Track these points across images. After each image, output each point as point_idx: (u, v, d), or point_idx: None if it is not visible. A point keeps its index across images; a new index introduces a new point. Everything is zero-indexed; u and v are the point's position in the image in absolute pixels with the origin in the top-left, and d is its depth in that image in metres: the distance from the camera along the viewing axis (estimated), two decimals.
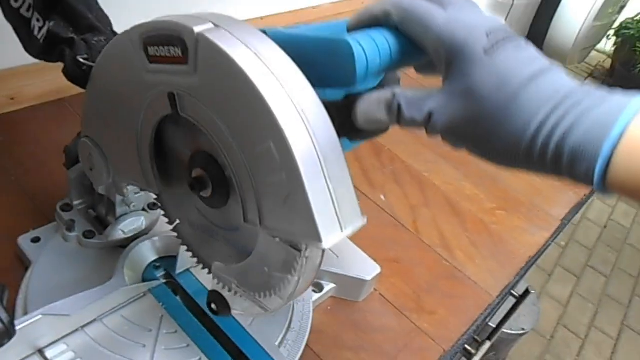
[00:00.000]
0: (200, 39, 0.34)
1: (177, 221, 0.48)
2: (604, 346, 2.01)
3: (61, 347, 0.44)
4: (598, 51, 3.38)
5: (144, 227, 0.55)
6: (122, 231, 0.54)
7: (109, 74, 0.43)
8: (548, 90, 0.31)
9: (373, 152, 0.89)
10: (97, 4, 0.50)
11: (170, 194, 0.46)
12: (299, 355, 0.51)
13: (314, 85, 0.34)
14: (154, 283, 0.51)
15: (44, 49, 0.48)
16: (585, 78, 3.48)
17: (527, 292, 0.87)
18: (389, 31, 0.37)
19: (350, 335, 0.59)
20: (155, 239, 0.54)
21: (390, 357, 0.58)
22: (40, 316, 0.41)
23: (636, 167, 0.29)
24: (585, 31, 2.19)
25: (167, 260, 0.54)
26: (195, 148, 0.41)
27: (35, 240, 0.55)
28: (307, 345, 0.54)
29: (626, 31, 3.05)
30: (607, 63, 3.58)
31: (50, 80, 0.79)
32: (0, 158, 0.68)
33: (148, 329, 0.48)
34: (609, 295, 2.22)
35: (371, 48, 0.35)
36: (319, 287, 0.60)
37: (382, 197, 0.80)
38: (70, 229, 0.53)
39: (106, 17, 0.50)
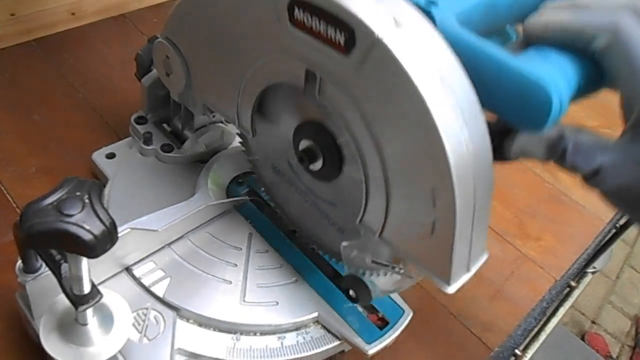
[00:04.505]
0: (378, 45, 0.28)
1: (257, 158, 0.44)
2: None
3: (149, 265, 0.40)
4: None
5: (223, 140, 0.50)
6: (202, 144, 0.49)
7: (228, 13, 0.36)
8: None
9: None
10: None
11: (260, 136, 0.41)
12: None
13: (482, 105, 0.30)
14: (239, 199, 0.47)
15: None
16: None
17: (628, 223, 0.79)
18: (582, 60, 0.30)
19: None
20: (238, 152, 0.49)
21: (496, 285, 0.52)
22: (128, 229, 0.37)
23: None
24: None
25: (250, 176, 0.49)
26: (308, 117, 0.37)
27: (110, 156, 0.51)
28: None
29: None
30: None
31: None
32: (67, 75, 0.64)
33: (237, 248, 0.43)
34: None
35: (566, 90, 0.29)
36: None
37: None
38: (147, 142, 0.49)
39: None
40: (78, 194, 0.25)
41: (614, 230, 0.83)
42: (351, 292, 0.39)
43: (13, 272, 0.36)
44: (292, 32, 0.32)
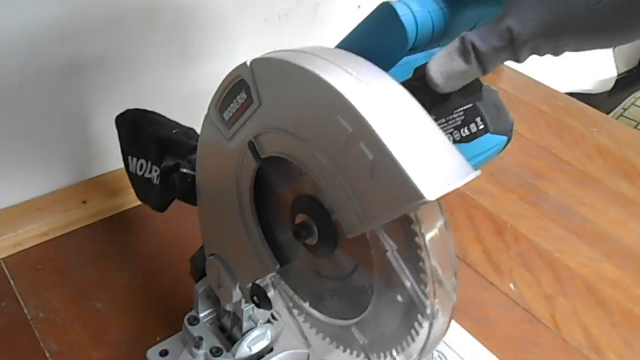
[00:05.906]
0: (254, 64, 0.35)
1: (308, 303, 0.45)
2: None
3: None
4: None
5: (269, 341, 0.53)
6: (249, 348, 0.52)
7: (206, 171, 0.44)
8: None
9: (495, 230, 0.83)
10: (195, 132, 0.52)
11: (290, 272, 0.44)
12: None
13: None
14: None
15: (161, 189, 0.49)
16: None
17: None
18: None
19: None
20: (281, 355, 0.51)
21: None
22: None
23: None
24: None
25: None
26: (291, 198, 0.40)
27: (164, 353, 0.54)
28: None
29: None
30: None
31: None
32: (128, 257, 0.69)
33: None
34: None
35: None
36: None
37: (512, 285, 0.73)
38: (198, 346, 0.52)
39: None
40: None
41: None
42: (255, 299, 0.43)
43: None
44: (231, 133, 0.39)
